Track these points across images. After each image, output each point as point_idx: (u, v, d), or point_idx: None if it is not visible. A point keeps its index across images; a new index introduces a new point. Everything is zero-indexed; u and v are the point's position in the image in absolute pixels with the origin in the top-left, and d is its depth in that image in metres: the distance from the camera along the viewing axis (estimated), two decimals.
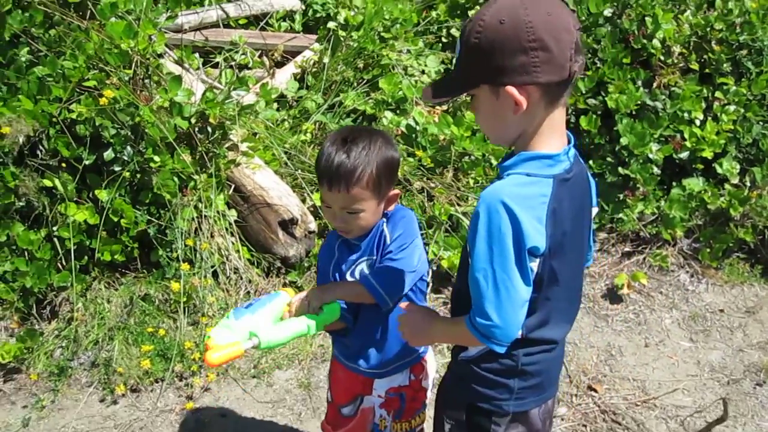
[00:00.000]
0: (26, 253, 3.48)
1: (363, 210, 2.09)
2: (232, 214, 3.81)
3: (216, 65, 4.85)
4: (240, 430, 3.15)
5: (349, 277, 2.21)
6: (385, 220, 2.19)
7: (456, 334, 1.87)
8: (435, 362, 2.49)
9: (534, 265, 1.66)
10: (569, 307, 1.87)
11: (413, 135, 4.18)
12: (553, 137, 1.69)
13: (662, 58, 4.47)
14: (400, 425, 2.44)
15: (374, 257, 2.17)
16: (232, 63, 4.89)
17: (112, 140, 3.50)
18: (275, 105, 4.52)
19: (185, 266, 3.47)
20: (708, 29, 4.54)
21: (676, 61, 4.49)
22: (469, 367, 1.87)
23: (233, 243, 3.77)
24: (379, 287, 2.10)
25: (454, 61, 1.74)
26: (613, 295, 4.02)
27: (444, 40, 5.00)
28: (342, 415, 2.47)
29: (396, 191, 2.17)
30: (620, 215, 4.31)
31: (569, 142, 1.74)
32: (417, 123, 4.19)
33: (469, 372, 1.88)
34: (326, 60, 4.68)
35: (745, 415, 3.34)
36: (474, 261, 1.66)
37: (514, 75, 1.59)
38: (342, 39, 4.74)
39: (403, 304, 2.05)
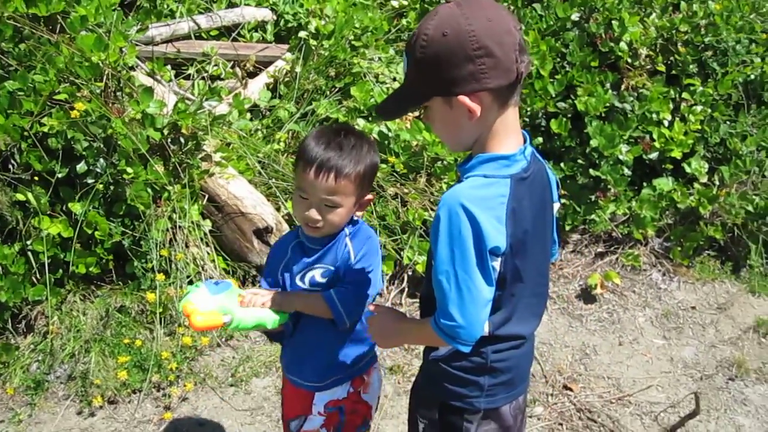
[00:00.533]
0: (0, 268, 3.47)
1: (341, 205, 2.08)
2: (207, 224, 3.82)
3: (188, 77, 4.86)
4: None
5: (299, 281, 2.19)
6: (347, 233, 2.17)
7: (423, 335, 1.89)
8: (381, 378, 2.48)
9: (496, 264, 1.69)
10: (536, 302, 1.90)
11: (386, 141, 4.21)
12: (508, 138, 1.73)
13: (629, 60, 4.53)
14: None
15: (332, 268, 2.15)
16: (205, 74, 4.90)
17: (84, 153, 3.50)
18: (248, 115, 4.54)
19: (160, 277, 3.47)
20: (673, 31, 4.62)
21: (643, 63, 4.56)
22: (439, 366, 1.89)
23: (208, 253, 3.78)
24: (341, 307, 2.11)
25: (404, 74, 1.74)
26: (586, 296, 4.07)
27: None
28: (290, 429, 2.41)
29: (370, 196, 2.19)
30: (592, 216, 4.36)
31: (525, 141, 1.77)
32: (389, 130, 4.23)
33: (439, 371, 1.90)
34: (298, 69, 4.71)
35: (718, 409, 3.39)
36: (437, 263, 1.69)
37: (464, 84, 1.63)
38: (313, 48, 4.77)
39: (371, 306, 2.06)
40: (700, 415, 3.28)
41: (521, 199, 1.71)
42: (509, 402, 1.95)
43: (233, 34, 5.31)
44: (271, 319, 2.13)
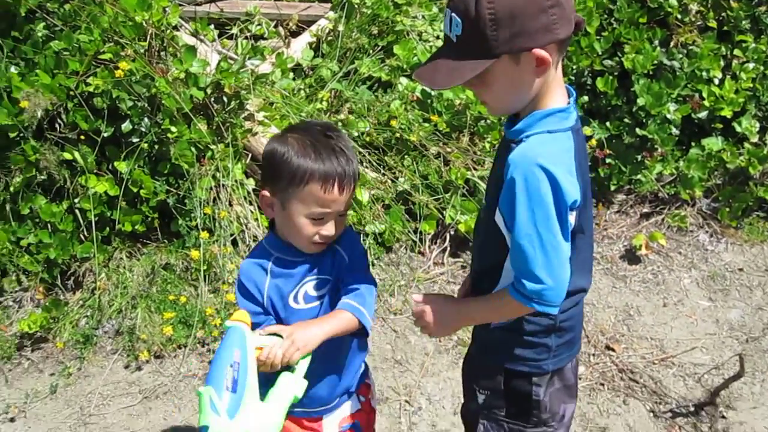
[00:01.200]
0: (49, 226, 3.55)
1: (349, 208, 1.98)
2: (250, 183, 3.85)
3: (231, 36, 4.87)
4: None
5: (292, 302, 1.98)
6: None
7: (494, 309, 1.83)
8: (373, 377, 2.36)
9: (572, 218, 1.68)
10: (590, 255, 1.90)
11: (428, 100, 4.18)
12: (560, 91, 1.71)
13: (679, 16, 4.41)
14: None
15: (329, 278, 1.99)
16: (248, 34, 4.90)
17: (129, 112, 3.54)
18: (291, 74, 4.53)
19: (204, 234, 3.52)
20: None
21: (693, 19, 4.43)
22: (504, 333, 1.87)
23: (252, 211, 3.81)
24: (367, 314, 1.91)
25: (453, 37, 1.61)
26: (631, 256, 4.03)
27: None
28: None
29: None
30: (638, 176, 4.29)
31: (569, 95, 1.75)
32: (432, 88, 4.19)
33: (504, 338, 1.88)
34: (341, 28, 4.68)
35: (764, 371, 3.35)
36: (517, 227, 1.65)
37: (539, 37, 1.58)
38: (356, 6, 4.73)
39: (416, 297, 1.91)
40: (745, 377, 3.23)
41: (580, 150, 1.70)
42: (571, 360, 1.95)
43: None
44: (295, 396, 1.82)
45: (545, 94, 1.68)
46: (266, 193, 1.93)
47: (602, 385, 3.26)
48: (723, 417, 3.10)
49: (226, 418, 1.71)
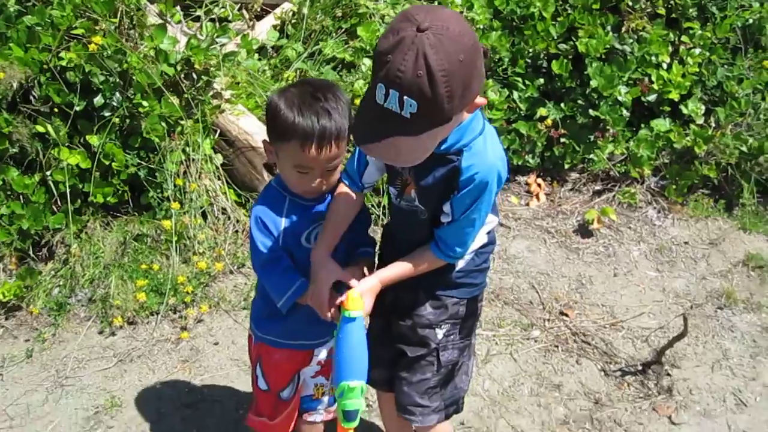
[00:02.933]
0: (21, 197, 3.62)
1: (340, 163, 2.10)
2: (219, 158, 3.96)
3: (197, 19, 4.95)
4: (233, 356, 3.33)
5: (304, 242, 2.15)
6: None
7: (414, 268, 2.12)
8: None
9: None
10: None
11: None
12: None
13: (630, 3, 4.63)
14: None
15: None
16: (213, 16, 4.99)
17: (101, 86, 3.62)
18: (256, 55, 4.64)
19: (176, 205, 3.63)
20: None
21: (643, 6, 4.65)
22: (466, 273, 2.21)
23: (220, 186, 3.93)
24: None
25: (406, 115, 1.69)
26: (583, 230, 4.23)
27: None
28: (281, 399, 2.40)
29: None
30: (591, 155, 4.50)
31: None
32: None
33: (467, 276, 2.22)
34: (305, 11, 4.80)
35: (706, 335, 3.57)
36: (466, 216, 2.00)
37: (476, 88, 1.77)
38: None
39: (355, 291, 2.02)
40: (689, 339, 3.45)
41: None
42: None
43: None
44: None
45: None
46: (266, 139, 2.12)
47: (556, 347, 3.45)
48: (668, 374, 3.31)
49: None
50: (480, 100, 1.82)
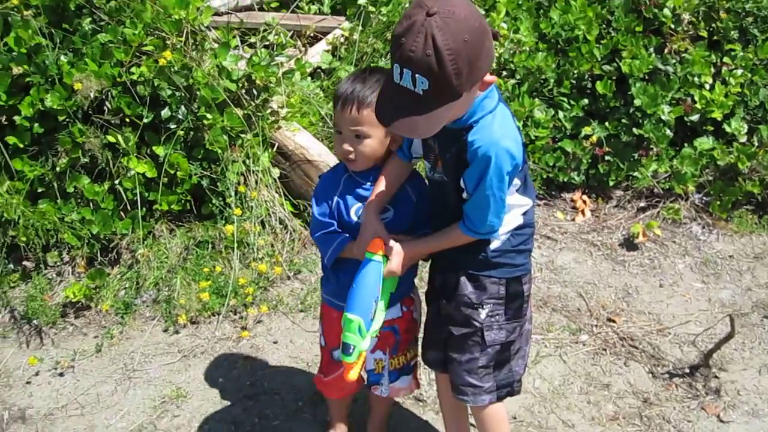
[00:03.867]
0: (91, 204, 3.83)
1: (370, 136, 2.29)
2: (276, 172, 4.14)
3: (252, 45, 5.18)
4: (292, 354, 3.47)
5: (353, 215, 2.40)
6: None
7: (446, 242, 2.31)
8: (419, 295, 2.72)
9: (517, 179, 2.24)
10: (531, 179, 2.42)
11: None
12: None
13: (672, 26, 4.76)
14: (397, 360, 2.64)
15: (389, 207, 2.40)
16: (267, 43, 5.22)
17: (168, 100, 3.83)
18: (309, 78, 4.85)
19: (237, 211, 3.80)
20: None
21: (685, 28, 4.78)
22: (503, 253, 2.33)
23: (278, 198, 4.10)
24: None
25: (419, 92, 1.88)
26: (629, 244, 4.32)
27: None
28: (333, 358, 2.63)
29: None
30: (635, 173, 4.61)
31: None
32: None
33: (505, 255, 2.33)
34: (356, 36, 5.01)
35: (753, 341, 3.63)
36: (480, 191, 2.14)
37: (485, 66, 1.95)
38: (371, 15, 5.06)
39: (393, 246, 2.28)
40: (736, 344, 3.53)
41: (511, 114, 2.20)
42: None
43: (292, 6, 5.62)
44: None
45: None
46: None
47: (605, 350, 3.54)
48: (716, 377, 3.38)
49: (368, 340, 2.26)
50: (489, 78, 1.98)
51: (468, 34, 1.84)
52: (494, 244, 2.32)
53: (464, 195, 2.21)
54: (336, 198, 2.43)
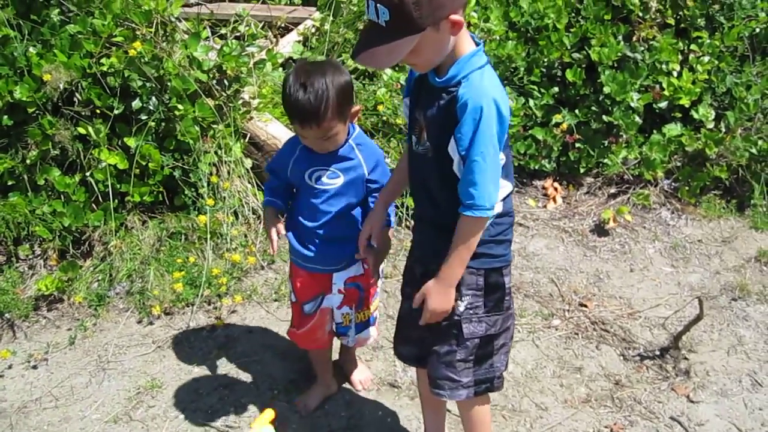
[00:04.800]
0: (63, 196, 3.81)
1: (336, 133, 2.51)
2: (248, 162, 4.14)
3: (222, 36, 5.16)
4: (266, 343, 3.48)
5: (307, 179, 2.63)
6: (353, 144, 2.61)
7: (466, 246, 2.20)
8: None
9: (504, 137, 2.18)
10: (512, 161, 2.36)
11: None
12: (467, 37, 2.12)
13: (641, 14, 4.81)
14: (362, 314, 2.93)
15: (339, 174, 2.62)
16: (238, 34, 5.20)
17: (139, 91, 3.82)
18: (280, 69, 4.84)
19: (210, 201, 3.80)
20: None
21: (653, 16, 4.83)
22: (481, 244, 2.25)
23: (250, 188, 4.10)
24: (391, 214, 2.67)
25: (382, 23, 1.94)
26: (600, 230, 4.37)
27: None
28: (304, 312, 2.90)
29: (357, 107, 2.58)
30: (605, 160, 4.66)
31: (476, 43, 2.16)
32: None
33: (480, 246, 2.25)
34: (327, 26, 5.01)
35: (722, 323, 3.69)
36: (473, 147, 2.07)
37: (450, 5, 1.96)
38: (342, 5, 5.07)
39: (417, 297, 2.31)
40: (705, 326, 3.59)
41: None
42: None
43: None
44: None
45: (459, 43, 2.08)
46: None
47: (576, 334, 3.58)
48: (686, 359, 3.44)
49: None
50: (456, 17, 1.98)
51: None
52: None
53: (454, 165, 2.15)
54: (292, 158, 2.66)
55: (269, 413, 2.52)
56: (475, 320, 2.37)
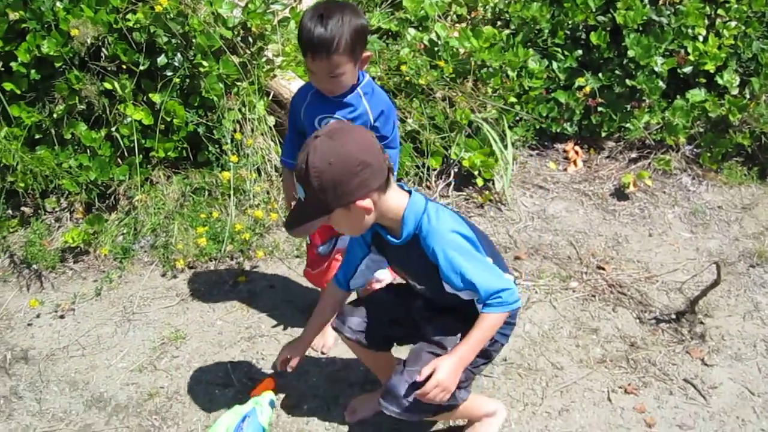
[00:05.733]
0: (89, 150, 3.86)
1: (343, 73, 2.54)
2: (271, 120, 4.17)
3: None
4: (287, 299, 3.55)
5: (317, 124, 2.70)
6: (361, 93, 2.66)
7: (484, 334, 2.35)
8: None
9: None
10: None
11: (435, 48, 4.51)
12: (398, 195, 2.30)
13: None
14: None
15: (351, 120, 2.66)
16: None
17: (164, 47, 3.84)
18: None
19: (234, 158, 3.84)
20: None
21: None
22: None
23: (273, 145, 4.14)
24: None
25: (302, 198, 2.20)
26: (620, 194, 4.38)
27: None
28: (319, 254, 3.07)
29: (368, 53, 2.62)
30: (627, 124, 4.65)
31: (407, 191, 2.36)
32: (439, 38, 4.53)
33: None
34: None
35: (738, 289, 3.71)
36: (462, 275, 2.27)
37: (356, 193, 2.13)
38: None
39: (426, 369, 2.33)
40: (721, 291, 3.61)
41: None
42: None
43: None
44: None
45: (392, 206, 2.26)
46: None
47: (593, 296, 3.62)
48: (701, 323, 3.47)
49: None
50: (364, 204, 2.15)
51: (334, 158, 2.08)
52: None
53: (463, 295, 2.33)
54: (304, 105, 2.75)
55: (269, 382, 2.64)
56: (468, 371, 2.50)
